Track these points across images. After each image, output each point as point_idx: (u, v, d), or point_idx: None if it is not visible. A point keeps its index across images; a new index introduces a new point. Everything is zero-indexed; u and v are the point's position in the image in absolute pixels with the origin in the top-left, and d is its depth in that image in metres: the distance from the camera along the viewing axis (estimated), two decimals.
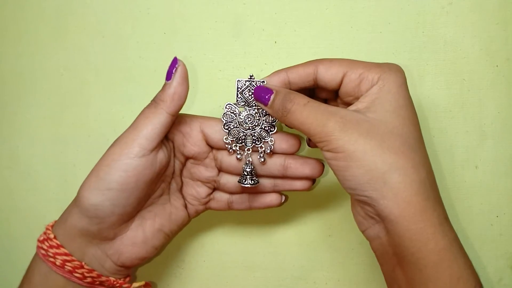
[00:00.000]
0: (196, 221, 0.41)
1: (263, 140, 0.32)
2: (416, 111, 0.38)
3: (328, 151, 0.28)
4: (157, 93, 0.32)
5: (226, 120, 0.32)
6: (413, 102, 0.38)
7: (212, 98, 0.40)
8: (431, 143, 0.38)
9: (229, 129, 0.32)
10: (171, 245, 0.41)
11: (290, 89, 0.31)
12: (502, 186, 0.38)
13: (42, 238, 0.32)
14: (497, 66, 0.37)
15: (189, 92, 0.41)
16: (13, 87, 0.44)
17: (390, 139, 0.27)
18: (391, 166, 0.26)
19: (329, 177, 0.39)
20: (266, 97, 0.31)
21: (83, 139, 0.42)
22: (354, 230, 0.39)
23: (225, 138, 0.32)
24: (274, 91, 0.30)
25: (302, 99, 0.29)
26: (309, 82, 0.31)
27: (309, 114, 0.28)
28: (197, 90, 0.41)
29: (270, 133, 0.32)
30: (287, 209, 0.39)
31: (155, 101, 0.31)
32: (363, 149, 0.27)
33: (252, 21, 0.40)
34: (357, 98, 0.30)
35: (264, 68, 0.40)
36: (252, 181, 0.32)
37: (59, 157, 0.43)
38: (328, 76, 0.30)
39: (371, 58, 0.38)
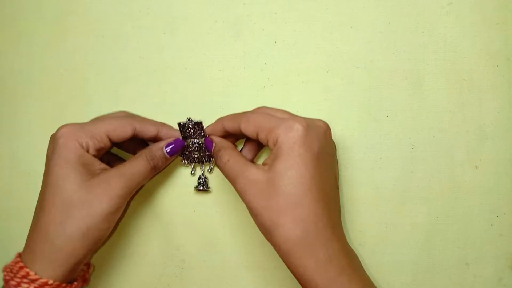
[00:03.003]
0: (196, 221, 0.41)
1: (210, 159, 0.40)
2: (416, 111, 0.38)
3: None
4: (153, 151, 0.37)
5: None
6: (414, 102, 0.38)
7: (212, 98, 0.40)
8: (431, 143, 0.38)
9: (183, 155, 0.40)
10: (171, 245, 0.41)
11: (228, 132, 0.37)
12: (502, 186, 0.38)
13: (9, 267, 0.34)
14: (497, 66, 0.37)
15: (189, 93, 0.42)
16: (13, 87, 0.44)
17: (275, 198, 0.31)
18: (273, 223, 0.31)
19: None
20: (210, 147, 0.37)
21: None
22: (353, 230, 0.39)
23: (183, 162, 0.40)
24: (214, 144, 0.37)
25: (224, 157, 0.35)
26: (239, 133, 0.35)
27: (226, 171, 0.34)
28: (197, 90, 0.41)
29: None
30: None
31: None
32: (256, 208, 0.32)
33: (252, 21, 0.40)
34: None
35: (264, 68, 0.40)
36: (204, 188, 0.40)
37: None
38: (248, 133, 0.34)
39: (371, 58, 0.38)
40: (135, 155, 0.37)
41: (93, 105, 0.42)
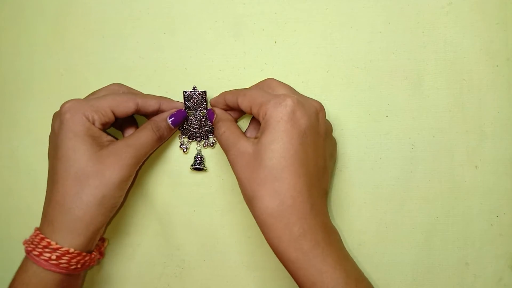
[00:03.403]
0: (196, 221, 0.41)
1: (208, 137, 0.40)
2: (416, 111, 0.38)
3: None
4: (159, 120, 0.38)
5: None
6: (414, 102, 0.38)
7: None
8: (431, 143, 0.38)
9: (182, 129, 0.40)
10: (171, 245, 0.41)
11: (229, 106, 0.38)
12: (502, 186, 0.38)
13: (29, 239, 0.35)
14: (497, 66, 0.37)
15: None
16: (13, 87, 0.44)
17: (258, 170, 0.32)
18: (254, 194, 0.32)
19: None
20: (212, 118, 0.39)
21: None
22: (353, 230, 0.39)
23: (179, 136, 0.41)
24: (215, 116, 0.38)
25: (221, 128, 0.36)
26: (237, 107, 0.36)
27: (221, 141, 0.36)
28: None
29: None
30: None
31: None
32: (241, 179, 0.33)
33: (252, 21, 0.40)
34: None
35: (264, 68, 0.40)
36: (200, 166, 0.40)
37: None
38: (243, 108, 0.35)
39: (371, 58, 0.38)
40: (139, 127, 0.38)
41: None
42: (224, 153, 0.35)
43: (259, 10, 0.40)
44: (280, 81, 0.36)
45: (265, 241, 0.39)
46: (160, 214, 0.41)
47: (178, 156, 0.41)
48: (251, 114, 0.35)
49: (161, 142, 0.39)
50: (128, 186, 0.37)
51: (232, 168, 0.34)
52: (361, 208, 0.39)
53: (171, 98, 0.40)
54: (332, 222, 0.39)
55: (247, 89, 0.37)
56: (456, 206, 0.38)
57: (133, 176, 0.37)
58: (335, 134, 0.39)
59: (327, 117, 0.39)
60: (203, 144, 0.41)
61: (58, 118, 0.35)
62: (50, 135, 0.36)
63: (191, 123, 0.40)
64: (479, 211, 0.38)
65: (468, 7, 0.37)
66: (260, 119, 0.33)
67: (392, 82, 0.38)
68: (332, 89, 0.39)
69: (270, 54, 0.40)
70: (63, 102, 0.36)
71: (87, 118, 0.34)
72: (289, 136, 0.31)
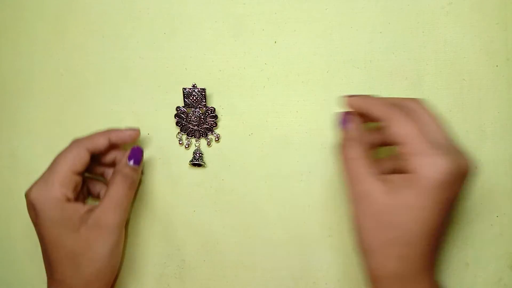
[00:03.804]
0: (196, 221, 0.41)
1: (207, 134, 0.40)
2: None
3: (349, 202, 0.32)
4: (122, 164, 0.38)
5: (177, 119, 0.40)
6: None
7: (212, 99, 0.40)
8: None
9: (181, 126, 0.40)
10: (171, 245, 0.41)
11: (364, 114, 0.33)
12: (502, 186, 0.38)
13: None
14: (497, 66, 0.37)
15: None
16: (13, 87, 0.44)
17: (388, 227, 0.29)
18: (375, 249, 0.30)
19: (328, 178, 0.39)
20: (343, 124, 0.34)
21: None
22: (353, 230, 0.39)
23: (177, 134, 0.41)
24: (348, 125, 0.34)
25: (352, 152, 0.32)
26: (377, 124, 0.32)
27: (348, 167, 0.32)
28: None
29: (214, 129, 0.40)
30: (287, 209, 0.39)
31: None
32: (362, 226, 0.31)
33: (252, 21, 0.40)
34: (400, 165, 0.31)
35: (264, 68, 0.40)
36: (199, 162, 0.40)
37: None
38: (389, 132, 0.30)
39: (371, 58, 0.38)
40: (107, 183, 0.38)
41: (93, 105, 0.42)
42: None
43: (259, 10, 0.40)
44: (434, 117, 0.31)
45: (265, 242, 0.39)
46: (160, 214, 0.41)
47: (178, 156, 0.41)
48: (392, 143, 0.30)
49: (135, 187, 0.38)
50: (121, 246, 0.38)
51: (351, 203, 0.31)
52: None
53: (117, 128, 0.39)
54: (332, 222, 0.39)
55: (403, 114, 0.31)
56: (456, 206, 0.38)
57: (123, 234, 0.38)
58: (335, 134, 0.39)
59: (327, 117, 0.39)
60: (207, 143, 0.40)
61: (32, 209, 0.35)
62: (32, 221, 0.36)
63: (190, 120, 0.40)
64: (479, 211, 0.38)
65: (468, 7, 0.37)
66: (408, 164, 0.29)
67: (392, 82, 0.38)
68: (332, 89, 0.39)
69: (270, 54, 0.40)
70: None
71: (58, 199, 0.34)
72: (439, 208, 0.28)
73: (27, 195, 0.35)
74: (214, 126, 0.40)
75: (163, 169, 0.41)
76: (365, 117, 0.33)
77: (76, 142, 0.37)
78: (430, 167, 0.28)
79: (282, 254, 0.40)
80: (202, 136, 0.40)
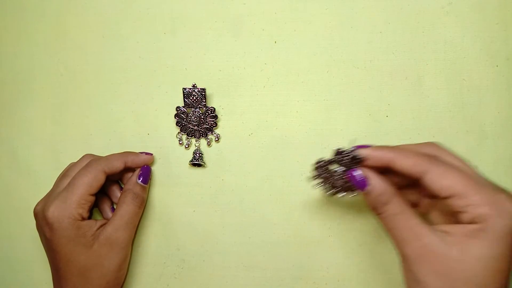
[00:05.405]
0: (196, 221, 0.41)
1: (207, 134, 0.40)
2: (416, 111, 0.38)
3: (403, 262, 0.29)
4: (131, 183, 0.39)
5: (177, 119, 0.40)
6: (414, 102, 0.38)
7: (212, 99, 0.40)
8: None
9: (181, 126, 0.40)
10: (171, 245, 0.41)
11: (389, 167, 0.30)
12: (502, 186, 0.38)
13: None
14: (497, 66, 0.37)
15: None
16: (13, 87, 0.44)
17: (458, 282, 0.27)
18: None
19: None
20: (361, 185, 0.31)
21: (83, 139, 0.42)
22: (354, 230, 0.39)
23: (177, 134, 0.41)
24: (369, 186, 0.30)
25: (395, 208, 0.29)
26: (411, 179, 0.30)
27: (395, 227, 0.29)
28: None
29: (214, 129, 0.40)
30: (287, 209, 0.39)
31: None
32: (429, 284, 0.28)
33: (252, 21, 0.40)
34: (451, 214, 0.29)
35: (264, 68, 0.40)
36: (199, 162, 0.40)
37: (59, 157, 0.43)
38: (436, 187, 0.28)
39: (371, 58, 0.38)
40: (117, 202, 0.39)
41: (93, 105, 0.42)
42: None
43: (259, 10, 0.40)
44: (457, 156, 0.30)
45: (265, 242, 0.39)
46: (160, 214, 0.41)
47: (178, 156, 0.41)
48: (439, 195, 0.28)
49: (144, 205, 0.40)
50: (128, 261, 0.39)
51: (411, 263, 0.29)
52: (361, 208, 0.39)
53: (133, 151, 0.40)
54: (332, 222, 0.39)
55: (439, 162, 0.29)
56: None
57: (130, 251, 0.39)
58: (336, 134, 0.39)
59: (327, 117, 0.39)
60: (207, 143, 0.40)
61: (46, 226, 0.36)
62: (41, 239, 0.37)
63: (190, 120, 0.40)
64: None
65: (468, 7, 0.37)
66: (466, 217, 0.28)
67: (392, 82, 0.38)
68: (332, 89, 0.39)
69: (270, 54, 0.40)
70: (44, 203, 0.37)
71: (75, 219, 0.36)
72: (510, 255, 0.27)
73: (45, 211, 0.36)
74: (214, 126, 0.40)
75: (163, 169, 0.41)
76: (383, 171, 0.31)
77: (94, 164, 0.38)
78: (497, 214, 0.27)
79: (282, 254, 0.40)
80: (202, 136, 0.40)
